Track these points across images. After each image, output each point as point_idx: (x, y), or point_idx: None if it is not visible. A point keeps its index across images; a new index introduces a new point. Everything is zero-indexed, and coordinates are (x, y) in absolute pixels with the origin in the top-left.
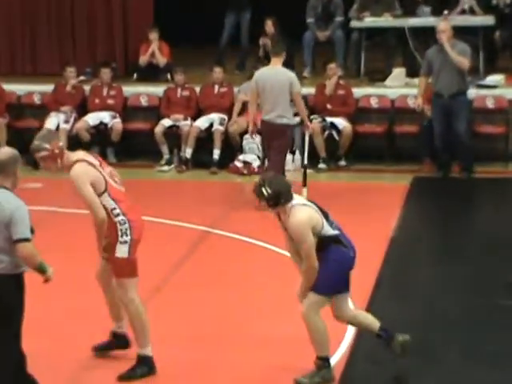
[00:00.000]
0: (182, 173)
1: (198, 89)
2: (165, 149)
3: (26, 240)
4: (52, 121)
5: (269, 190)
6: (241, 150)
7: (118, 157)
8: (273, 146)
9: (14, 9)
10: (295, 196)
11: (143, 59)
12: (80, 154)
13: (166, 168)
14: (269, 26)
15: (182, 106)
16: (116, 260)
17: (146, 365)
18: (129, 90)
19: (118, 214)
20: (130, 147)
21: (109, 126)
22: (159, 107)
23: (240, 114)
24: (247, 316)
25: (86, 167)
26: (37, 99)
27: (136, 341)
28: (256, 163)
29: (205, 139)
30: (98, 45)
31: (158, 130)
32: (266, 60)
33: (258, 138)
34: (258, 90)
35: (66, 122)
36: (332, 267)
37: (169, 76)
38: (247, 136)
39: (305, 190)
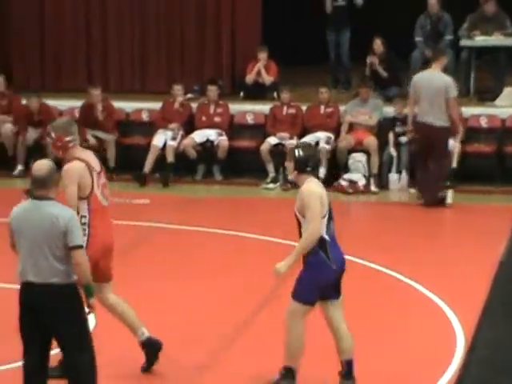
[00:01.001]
0: (287, 191)
1: (304, 107)
2: (270, 167)
3: (81, 247)
4: (159, 138)
5: (300, 153)
6: (346, 169)
7: (223, 174)
8: (433, 149)
9: (124, 27)
10: (317, 181)
11: (250, 77)
12: (87, 153)
13: (271, 186)
14: (377, 44)
15: (287, 124)
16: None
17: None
18: (235, 107)
19: (83, 223)
20: (235, 165)
21: (215, 143)
22: (265, 125)
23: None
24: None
25: (82, 168)
26: (145, 116)
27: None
28: (361, 182)
29: None
30: (205, 63)
31: (264, 147)
32: (371, 79)
33: (364, 157)
34: (415, 93)
35: (173, 139)
36: (309, 277)
37: (275, 94)
38: (353, 155)
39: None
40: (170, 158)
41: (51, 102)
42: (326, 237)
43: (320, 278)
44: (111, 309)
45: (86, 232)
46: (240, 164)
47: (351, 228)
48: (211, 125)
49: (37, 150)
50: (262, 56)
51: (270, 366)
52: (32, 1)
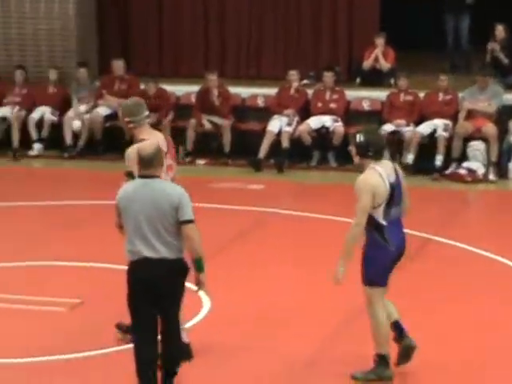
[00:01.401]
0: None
1: (421, 94)
2: (386, 154)
3: (193, 221)
4: (275, 123)
5: (362, 138)
6: (463, 158)
7: (338, 161)
8: None
9: (241, 13)
10: (384, 163)
11: (367, 64)
12: (154, 134)
13: None
14: (499, 30)
15: (404, 110)
16: None
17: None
18: (351, 94)
19: None
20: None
21: (330, 129)
22: (381, 112)
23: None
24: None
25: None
26: (260, 102)
27: None
28: (480, 171)
29: (427, 145)
30: (322, 49)
31: None
32: (491, 66)
33: (482, 146)
34: None
35: (289, 124)
36: (374, 258)
37: (392, 81)
38: (472, 143)
39: None
40: (285, 143)
41: (168, 88)
42: (383, 222)
43: (382, 258)
44: None
45: None
46: None
47: (468, 216)
48: (327, 111)
49: None
50: (380, 42)
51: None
52: None
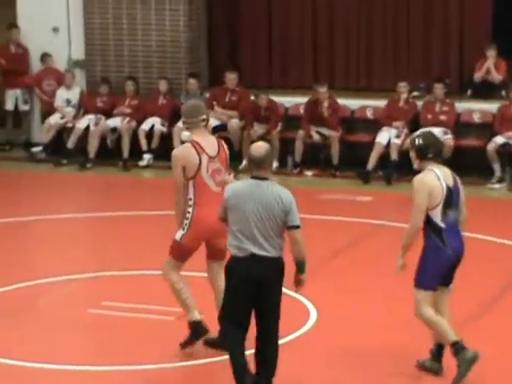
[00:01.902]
0: None
1: None
2: (497, 166)
3: (299, 227)
4: (384, 135)
5: (420, 141)
6: None
7: None
8: None
9: (350, 25)
10: (442, 168)
11: (478, 75)
12: (205, 137)
13: (497, 186)
14: None
15: None
16: (173, 240)
17: (195, 329)
18: (462, 106)
19: (189, 206)
20: (461, 163)
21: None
22: (492, 124)
23: None
24: None
25: (188, 150)
26: (369, 114)
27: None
28: None
29: None
30: (432, 60)
31: (491, 147)
32: None
33: None
34: None
35: (398, 136)
36: (427, 261)
37: (503, 92)
38: None
39: None
40: (394, 155)
41: (277, 99)
42: (442, 224)
43: (436, 262)
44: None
45: (192, 212)
46: (465, 163)
47: None
48: (437, 123)
49: None
50: (491, 54)
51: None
52: (261, 1)
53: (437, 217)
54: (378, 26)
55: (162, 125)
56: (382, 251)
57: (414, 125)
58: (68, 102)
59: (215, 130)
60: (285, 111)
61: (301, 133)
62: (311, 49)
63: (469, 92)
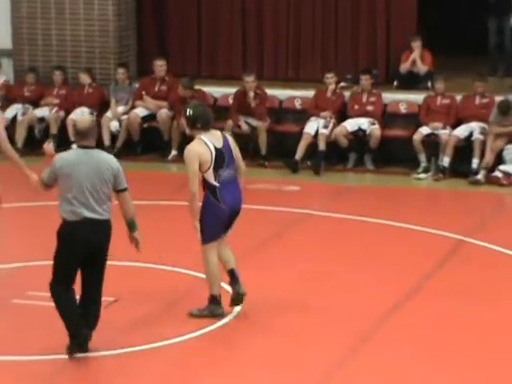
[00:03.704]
0: (438, 181)
1: (458, 97)
2: (422, 157)
3: (127, 189)
4: (311, 125)
5: (191, 112)
6: (500, 161)
7: (375, 163)
8: None
9: (279, 15)
10: (212, 133)
11: (404, 67)
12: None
13: (422, 176)
14: None
15: (441, 114)
16: None
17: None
18: (388, 96)
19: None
20: (387, 154)
21: (367, 132)
22: (418, 115)
23: None
24: (494, 331)
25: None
26: (297, 104)
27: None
28: None
29: (463, 148)
30: (360, 51)
31: (417, 137)
32: None
33: None
34: None
35: (326, 127)
36: (206, 218)
37: (429, 84)
38: (509, 146)
39: None
40: (322, 146)
41: (206, 89)
42: (215, 183)
43: (213, 218)
44: None
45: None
46: (392, 153)
47: (503, 219)
48: (364, 113)
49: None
50: (417, 45)
51: (409, 360)
52: None
53: (210, 177)
54: (306, 17)
55: (91, 114)
56: (309, 240)
57: (341, 115)
58: None
59: (145, 120)
60: (214, 101)
61: (229, 123)
62: (240, 38)
63: (395, 83)
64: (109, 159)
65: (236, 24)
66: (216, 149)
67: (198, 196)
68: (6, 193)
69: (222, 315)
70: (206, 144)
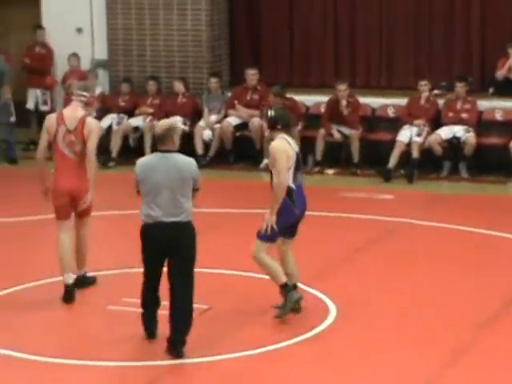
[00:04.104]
0: None
1: None
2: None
3: (199, 190)
4: (405, 133)
5: (272, 113)
6: None
7: (470, 171)
8: None
9: (372, 23)
10: (288, 136)
11: (500, 73)
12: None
13: None
14: None
15: None
16: None
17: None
18: (484, 104)
19: None
20: (483, 162)
21: (462, 139)
22: None
23: None
24: None
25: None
26: (390, 112)
27: None
28: None
29: None
30: (454, 58)
31: None
32: None
33: None
34: None
35: (419, 135)
36: (277, 219)
37: None
38: None
39: None
40: (415, 154)
41: (298, 97)
42: (293, 186)
43: (284, 220)
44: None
45: None
46: (487, 161)
47: None
48: (458, 121)
49: None
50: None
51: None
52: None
53: (289, 178)
54: (399, 24)
55: (184, 124)
56: (403, 249)
57: (435, 123)
58: None
59: (237, 129)
60: (306, 110)
61: (321, 131)
62: (332, 46)
63: (491, 90)
64: (188, 161)
65: (328, 32)
66: (296, 152)
67: (285, 190)
68: (102, 201)
69: (301, 298)
70: (288, 143)
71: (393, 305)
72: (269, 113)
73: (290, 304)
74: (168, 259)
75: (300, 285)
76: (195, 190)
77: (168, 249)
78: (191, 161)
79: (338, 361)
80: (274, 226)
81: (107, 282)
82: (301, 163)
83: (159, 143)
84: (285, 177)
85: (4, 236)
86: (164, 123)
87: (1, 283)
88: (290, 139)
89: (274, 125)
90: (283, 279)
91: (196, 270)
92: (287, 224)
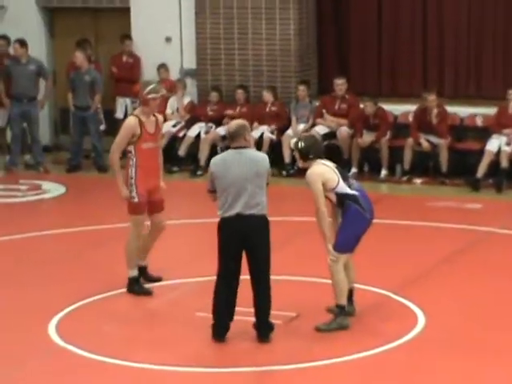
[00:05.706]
0: None
1: None
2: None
3: (268, 185)
4: (494, 143)
5: (302, 144)
6: None
7: None
8: None
9: (460, 32)
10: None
11: None
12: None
13: None
14: None
15: None
16: None
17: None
18: None
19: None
20: None
21: None
22: None
23: None
24: None
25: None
26: (479, 121)
27: None
28: None
29: None
30: None
31: None
32: None
33: None
34: None
35: (508, 144)
36: (348, 230)
37: None
38: None
39: None
40: (504, 163)
41: (387, 107)
42: (354, 192)
43: (357, 227)
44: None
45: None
46: None
47: None
48: None
49: (373, 152)
50: None
51: None
52: (370, 8)
53: (344, 189)
54: (487, 34)
55: (271, 132)
56: (491, 259)
57: None
58: (178, 110)
59: (325, 138)
60: (394, 119)
61: (410, 141)
62: (421, 56)
63: None
64: (262, 155)
65: (417, 41)
66: (335, 167)
67: (326, 214)
68: (191, 209)
69: (348, 326)
70: (324, 164)
71: (479, 316)
72: (298, 144)
73: (336, 326)
74: (245, 251)
75: (388, 293)
76: (267, 184)
77: (245, 240)
78: (264, 155)
79: (431, 368)
80: (335, 254)
81: (197, 289)
82: (344, 172)
83: (231, 141)
84: (322, 202)
85: (95, 242)
86: (235, 122)
87: (93, 289)
88: (326, 161)
89: (306, 155)
90: (344, 302)
91: (283, 277)
92: (363, 230)
